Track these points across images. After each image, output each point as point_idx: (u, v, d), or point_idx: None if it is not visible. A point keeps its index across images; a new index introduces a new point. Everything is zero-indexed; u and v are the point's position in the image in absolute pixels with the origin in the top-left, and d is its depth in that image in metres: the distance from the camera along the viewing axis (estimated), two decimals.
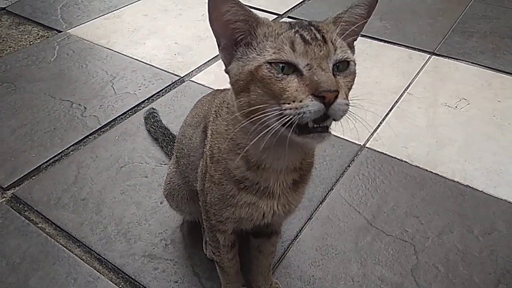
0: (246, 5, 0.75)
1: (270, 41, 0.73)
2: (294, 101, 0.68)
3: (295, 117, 0.68)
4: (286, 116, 0.69)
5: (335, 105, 0.68)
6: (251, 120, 0.74)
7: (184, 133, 1.17)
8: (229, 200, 0.91)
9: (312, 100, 0.68)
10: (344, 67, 0.74)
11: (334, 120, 0.71)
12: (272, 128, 0.71)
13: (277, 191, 0.89)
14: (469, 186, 1.52)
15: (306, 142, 0.73)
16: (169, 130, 1.72)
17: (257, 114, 0.72)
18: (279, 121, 0.70)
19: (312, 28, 0.74)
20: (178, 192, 1.22)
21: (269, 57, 0.71)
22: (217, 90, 1.23)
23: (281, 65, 0.70)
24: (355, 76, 0.77)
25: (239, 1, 0.74)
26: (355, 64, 0.77)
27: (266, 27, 0.75)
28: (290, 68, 0.70)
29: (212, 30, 0.77)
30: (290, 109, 0.68)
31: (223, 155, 0.88)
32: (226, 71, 0.79)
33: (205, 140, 0.96)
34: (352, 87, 0.78)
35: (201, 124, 1.04)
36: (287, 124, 0.69)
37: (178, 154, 1.20)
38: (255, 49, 0.74)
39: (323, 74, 0.69)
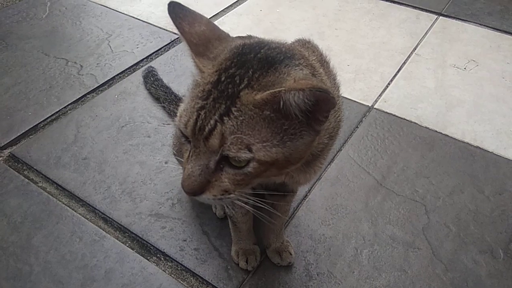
0: None
1: (188, 97, 0.71)
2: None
3: None
4: None
5: (200, 196, 0.70)
6: None
7: None
8: None
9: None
10: (239, 164, 0.67)
11: None
12: None
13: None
14: (479, 147, 1.50)
15: None
16: (170, 89, 1.65)
17: None
18: None
19: (220, 107, 0.65)
20: None
21: (176, 118, 0.71)
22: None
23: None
24: (258, 173, 0.68)
25: None
26: (260, 162, 0.66)
27: None
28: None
29: None
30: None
31: None
32: None
33: None
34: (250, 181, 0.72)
35: None
36: None
37: None
38: (189, 91, 0.77)
39: (189, 170, 0.68)
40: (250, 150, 0.65)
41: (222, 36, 0.76)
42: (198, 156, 0.68)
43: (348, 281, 1.14)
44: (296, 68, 0.69)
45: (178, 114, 0.70)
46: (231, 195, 0.70)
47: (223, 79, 0.67)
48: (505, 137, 1.53)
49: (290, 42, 0.87)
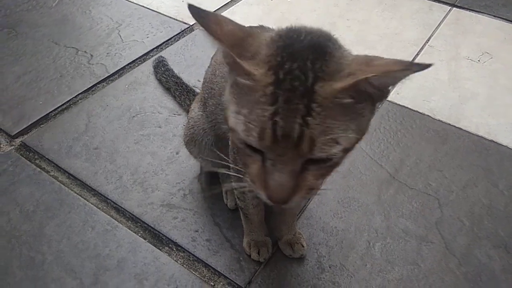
0: None
1: (245, 106, 0.62)
2: (252, 182, 0.66)
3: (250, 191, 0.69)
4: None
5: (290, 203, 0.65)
6: None
7: (215, 71, 1.08)
8: None
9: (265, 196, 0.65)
10: (324, 161, 0.63)
11: None
12: None
13: None
14: (494, 141, 1.48)
15: None
16: (181, 80, 1.64)
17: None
18: None
19: (299, 105, 0.59)
20: (202, 137, 1.16)
21: (240, 133, 0.63)
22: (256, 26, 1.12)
23: None
24: (339, 162, 0.66)
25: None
26: (345, 150, 0.63)
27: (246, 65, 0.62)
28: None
29: None
30: (248, 183, 0.68)
31: None
32: None
33: None
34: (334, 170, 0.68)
35: None
36: None
37: (206, 95, 1.12)
38: (235, 98, 0.64)
39: (278, 181, 0.62)
40: (338, 143, 0.61)
41: (252, 32, 0.69)
42: (285, 164, 0.62)
43: (361, 274, 1.13)
44: (339, 50, 0.65)
45: (238, 128, 0.63)
46: (314, 190, 0.67)
47: (281, 77, 0.60)
48: None
49: None
